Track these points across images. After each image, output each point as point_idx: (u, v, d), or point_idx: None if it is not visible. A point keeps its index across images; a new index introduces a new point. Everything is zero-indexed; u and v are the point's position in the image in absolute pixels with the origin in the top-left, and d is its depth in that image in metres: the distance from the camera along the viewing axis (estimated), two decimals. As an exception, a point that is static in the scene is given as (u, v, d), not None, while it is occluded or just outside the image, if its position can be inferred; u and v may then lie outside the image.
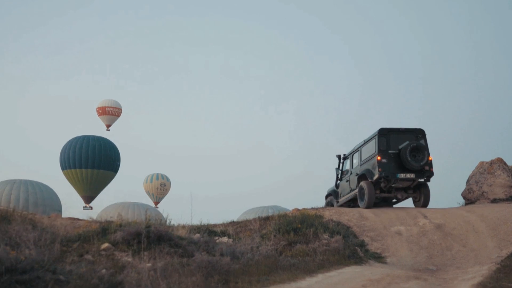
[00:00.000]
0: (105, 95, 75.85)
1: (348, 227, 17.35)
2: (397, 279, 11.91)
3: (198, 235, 15.73)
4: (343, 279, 11.80)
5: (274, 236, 14.94)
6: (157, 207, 55.98)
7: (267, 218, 17.54)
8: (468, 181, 22.60)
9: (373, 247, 16.28)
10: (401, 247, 16.27)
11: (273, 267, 12.27)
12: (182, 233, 14.45)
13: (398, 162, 18.39)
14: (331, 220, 17.81)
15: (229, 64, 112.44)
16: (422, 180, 19.07)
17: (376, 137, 18.80)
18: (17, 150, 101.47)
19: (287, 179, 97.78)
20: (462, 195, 22.56)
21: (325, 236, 15.04)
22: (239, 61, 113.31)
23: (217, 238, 15.66)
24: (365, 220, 18.20)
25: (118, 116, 56.37)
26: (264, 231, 15.62)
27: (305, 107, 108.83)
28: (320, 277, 11.68)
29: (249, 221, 17.94)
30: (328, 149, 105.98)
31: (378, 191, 19.35)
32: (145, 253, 11.36)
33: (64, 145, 50.80)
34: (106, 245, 11.74)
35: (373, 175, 18.61)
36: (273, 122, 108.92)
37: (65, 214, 39.42)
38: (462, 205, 21.75)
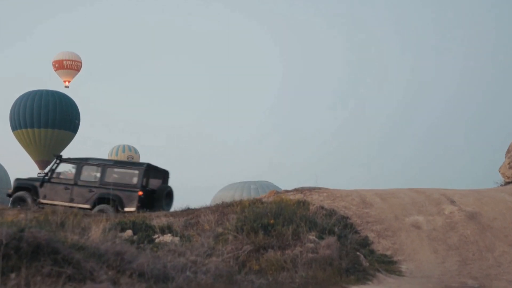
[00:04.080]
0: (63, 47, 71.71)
1: (345, 218, 15.31)
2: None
3: (129, 232, 13.16)
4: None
5: (235, 237, 10.98)
6: (124, 184, 52.84)
7: (226, 206, 13.72)
8: (508, 152, 20.96)
9: (380, 246, 14.10)
10: (421, 246, 14.19)
11: (224, 297, 8.27)
12: (95, 234, 10.51)
13: (150, 199, 20.30)
14: (322, 208, 15.42)
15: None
16: None
17: (142, 171, 20.47)
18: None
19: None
20: (500, 171, 20.97)
21: (312, 237, 11.75)
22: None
23: (156, 236, 13.02)
24: (369, 207, 16.23)
25: (78, 70, 53.16)
26: (220, 229, 11.58)
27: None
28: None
29: (200, 210, 14.20)
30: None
31: None
32: (12, 275, 8.34)
33: (15, 102, 47.67)
34: (-50, 262, 8.57)
35: (126, 206, 19.96)
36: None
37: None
38: (501, 185, 20.05)
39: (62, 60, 52.33)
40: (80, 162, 21.34)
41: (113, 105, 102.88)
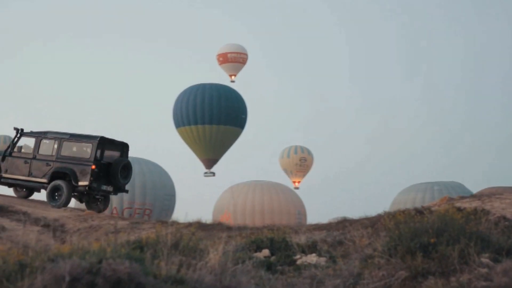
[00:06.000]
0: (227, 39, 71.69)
1: (533, 231, 13.06)
2: None
3: (265, 252, 11.72)
4: None
5: (387, 260, 9.15)
6: (297, 187, 52.32)
7: (379, 219, 11.95)
8: None
9: None
10: None
11: None
12: (214, 258, 9.16)
13: (105, 173, 21.06)
14: (504, 218, 13.17)
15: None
16: (114, 194, 22.74)
17: (96, 144, 20.98)
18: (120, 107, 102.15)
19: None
20: None
21: (484, 259, 9.44)
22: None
23: (297, 257, 11.47)
24: None
25: (244, 63, 52.38)
26: (369, 250, 9.83)
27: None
28: None
29: (357, 222, 12.54)
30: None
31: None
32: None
33: (178, 97, 47.54)
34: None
35: (80, 180, 20.87)
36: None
37: (179, 197, 39.95)
38: None
39: (227, 53, 51.92)
40: (38, 136, 22.11)
41: (282, 101, 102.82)
